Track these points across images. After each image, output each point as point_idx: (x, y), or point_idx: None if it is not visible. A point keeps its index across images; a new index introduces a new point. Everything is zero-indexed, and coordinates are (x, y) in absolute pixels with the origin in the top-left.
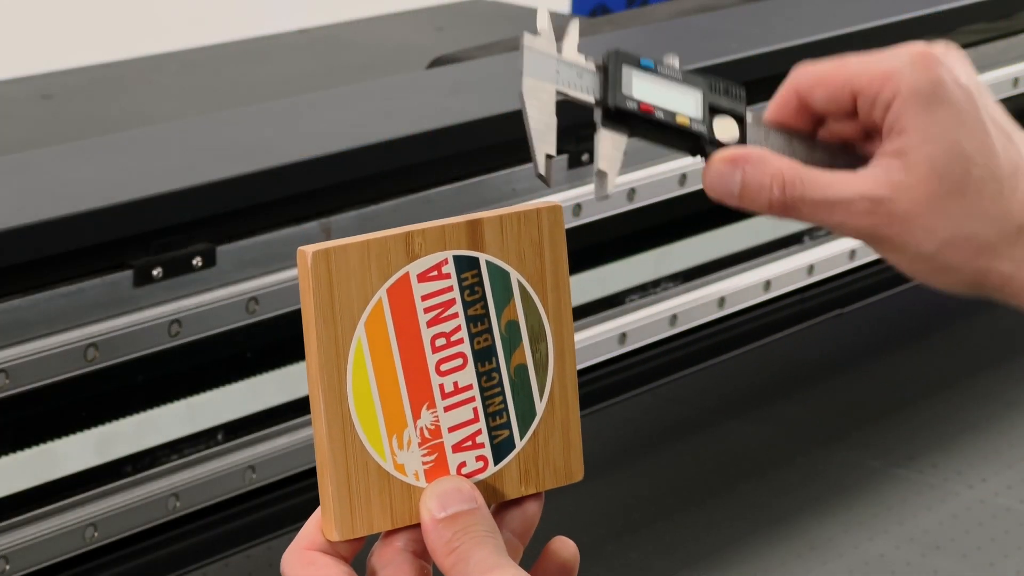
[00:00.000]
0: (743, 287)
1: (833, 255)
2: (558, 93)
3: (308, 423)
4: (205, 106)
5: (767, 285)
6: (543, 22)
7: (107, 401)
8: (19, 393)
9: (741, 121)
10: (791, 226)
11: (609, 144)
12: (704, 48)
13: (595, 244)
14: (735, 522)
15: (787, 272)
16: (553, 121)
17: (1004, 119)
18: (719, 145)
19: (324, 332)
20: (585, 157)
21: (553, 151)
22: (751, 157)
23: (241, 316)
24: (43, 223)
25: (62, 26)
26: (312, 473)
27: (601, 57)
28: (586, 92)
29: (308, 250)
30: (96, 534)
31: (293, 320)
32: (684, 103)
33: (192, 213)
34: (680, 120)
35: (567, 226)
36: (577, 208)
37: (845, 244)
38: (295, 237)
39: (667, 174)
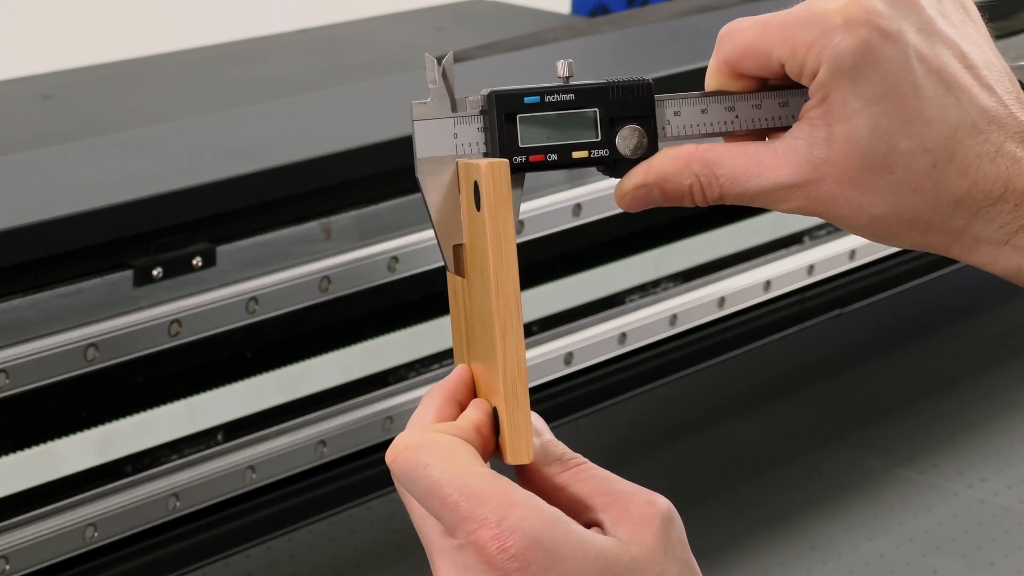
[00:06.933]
0: (743, 287)
1: (833, 255)
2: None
3: (307, 423)
4: (205, 106)
5: (767, 285)
6: (433, 72)
7: (107, 401)
8: (19, 393)
9: (649, 119)
10: (791, 226)
11: None
12: (704, 48)
13: (595, 244)
14: (735, 522)
15: (787, 272)
16: (457, 201)
17: (952, 64)
18: (628, 161)
19: (511, 247)
20: None
21: (462, 239)
22: (661, 177)
23: (241, 316)
24: (43, 223)
25: (62, 26)
26: (311, 473)
27: (482, 100)
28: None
29: (483, 163)
30: (96, 534)
31: (293, 320)
32: (579, 131)
33: (192, 213)
34: (577, 155)
35: (567, 226)
36: (577, 208)
37: (845, 244)
38: (295, 237)
39: None
